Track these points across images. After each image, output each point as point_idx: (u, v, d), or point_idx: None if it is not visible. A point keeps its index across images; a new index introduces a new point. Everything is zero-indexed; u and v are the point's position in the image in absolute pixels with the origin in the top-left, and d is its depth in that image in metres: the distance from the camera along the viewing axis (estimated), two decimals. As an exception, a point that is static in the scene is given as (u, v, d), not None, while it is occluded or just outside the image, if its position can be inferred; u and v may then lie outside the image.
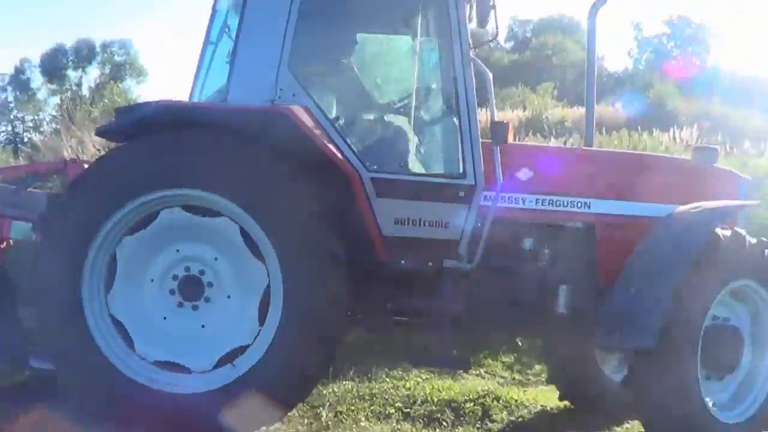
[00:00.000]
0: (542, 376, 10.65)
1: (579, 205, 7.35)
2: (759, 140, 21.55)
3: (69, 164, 8.72)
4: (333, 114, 7.17)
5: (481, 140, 7.01)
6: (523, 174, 7.27)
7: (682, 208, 7.23)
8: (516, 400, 8.98)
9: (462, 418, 8.30)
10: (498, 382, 10.04)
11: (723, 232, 6.90)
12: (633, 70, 61.02)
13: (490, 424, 8.28)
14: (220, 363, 6.58)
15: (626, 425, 8.51)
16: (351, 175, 6.75)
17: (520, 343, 11.05)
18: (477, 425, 8.19)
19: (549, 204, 7.33)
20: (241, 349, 6.58)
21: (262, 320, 6.56)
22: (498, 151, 6.93)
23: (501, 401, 8.84)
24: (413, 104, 7.41)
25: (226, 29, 7.57)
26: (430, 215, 6.97)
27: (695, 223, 6.96)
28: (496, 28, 7.35)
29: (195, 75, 7.64)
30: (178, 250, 6.64)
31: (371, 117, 7.64)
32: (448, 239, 7.00)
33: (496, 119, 7.12)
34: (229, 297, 6.64)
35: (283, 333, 6.42)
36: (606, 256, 7.19)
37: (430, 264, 6.97)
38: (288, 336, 6.41)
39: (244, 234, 6.56)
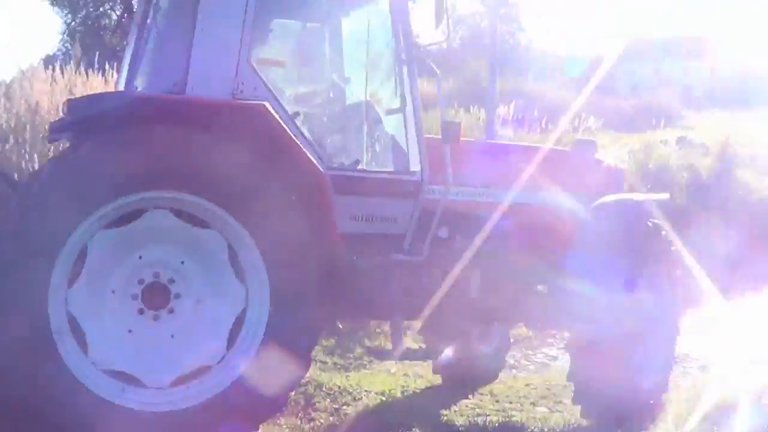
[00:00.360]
0: (363, 359, 10.40)
1: (498, 196, 7.61)
2: (573, 117, 21.94)
3: None
4: (291, 110, 6.92)
5: (432, 137, 7.29)
6: (461, 168, 7.39)
7: (609, 198, 7.77)
8: (339, 387, 8.70)
9: (284, 409, 7.88)
10: (319, 368, 9.68)
11: (660, 223, 7.55)
12: (447, 48, 61.71)
13: (313, 414, 7.92)
14: (178, 381, 6.17)
15: (454, 407, 8.37)
16: (319, 174, 6.48)
17: (340, 326, 10.76)
18: (300, 415, 7.81)
19: (478, 196, 7.63)
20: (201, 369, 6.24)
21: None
22: (448, 149, 7.15)
23: (324, 389, 8.53)
24: (364, 101, 7.45)
25: (162, 15, 7.25)
26: (381, 211, 7.12)
27: (634, 214, 7.58)
28: (448, 28, 7.36)
29: (130, 62, 7.21)
30: (145, 254, 6.20)
31: (325, 113, 7.62)
32: (396, 234, 7.17)
33: (445, 118, 7.44)
34: (197, 313, 6.28)
35: (265, 355, 6.22)
36: (520, 242, 7.53)
37: (380, 259, 7.08)
38: (270, 357, 6.21)
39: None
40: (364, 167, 7.18)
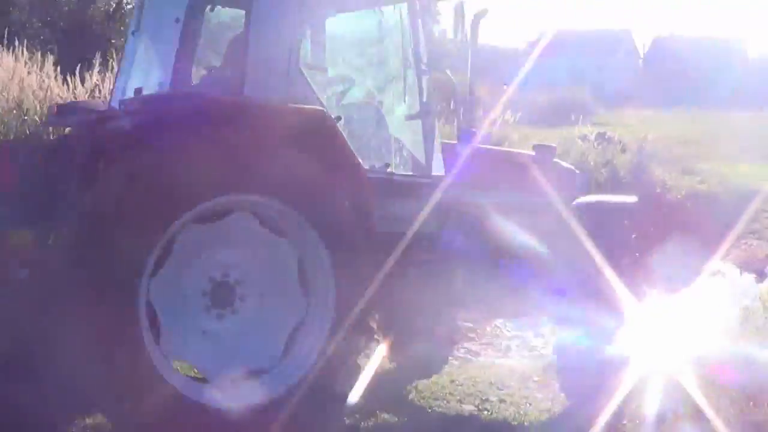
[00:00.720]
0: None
1: (494, 197, 8.01)
2: (487, 110, 21.95)
3: None
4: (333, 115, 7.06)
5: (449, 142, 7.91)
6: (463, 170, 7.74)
7: (586, 198, 8.49)
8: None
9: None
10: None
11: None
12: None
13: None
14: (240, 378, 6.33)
15: (376, 403, 8.08)
16: (367, 179, 6.79)
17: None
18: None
19: (478, 197, 7.90)
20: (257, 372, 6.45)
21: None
22: (465, 155, 7.71)
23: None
24: (390, 105, 7.90)
25: (206, 16, 7.47)
26: (402, 211, 7.30)
27: (613, 215, 8.23)
28: (462, 34, 7.84)
29: (176, 62, 7.22)
30: (225, 255, 6.39)
31: (354, 116, 7.74)
32: (413, 232, 7.26)
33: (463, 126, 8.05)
34: (257, 314, 6.48)
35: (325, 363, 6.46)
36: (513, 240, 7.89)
37: (399, 257, 7.10)
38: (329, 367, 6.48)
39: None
40: (393, 170, 7.50)
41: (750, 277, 16.37)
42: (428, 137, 7.59)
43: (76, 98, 13.03)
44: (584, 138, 22.12)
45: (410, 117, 7.70)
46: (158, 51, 7.60)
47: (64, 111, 7.47)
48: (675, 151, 23.19)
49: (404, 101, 7.80)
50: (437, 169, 7.61)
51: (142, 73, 7.58)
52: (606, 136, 22.58)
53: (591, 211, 8.19)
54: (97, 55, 14.26)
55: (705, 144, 25.49)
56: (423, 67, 7.58)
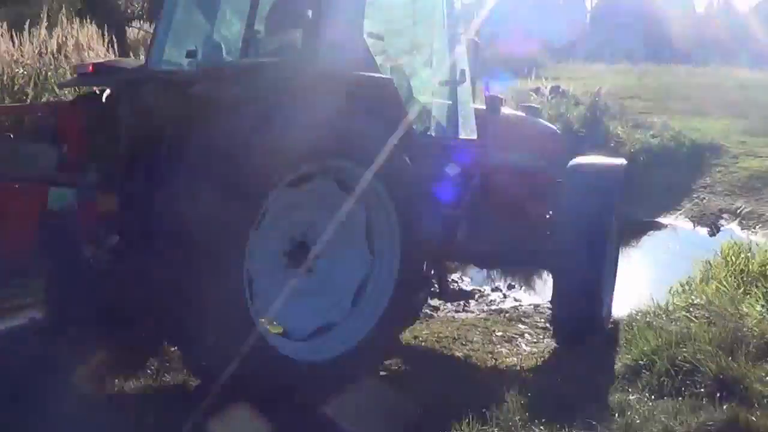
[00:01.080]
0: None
1: (503, 158, 8.52)
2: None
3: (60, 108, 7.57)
4: None
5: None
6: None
7: (581, 160, 8.77)
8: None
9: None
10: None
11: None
12: None
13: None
14: (315, 333, 6.74)
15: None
16: (418, 142, 7.07)
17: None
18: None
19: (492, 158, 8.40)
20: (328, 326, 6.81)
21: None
22: (491, 119, 8.33)
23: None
24: (421, 69, 8.25)
25: None
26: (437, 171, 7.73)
27: (608, 176, 8.56)
28: None
29: (245, 33, 7.52)
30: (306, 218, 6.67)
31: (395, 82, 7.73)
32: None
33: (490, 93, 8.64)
34: (328, 271, 6.82)
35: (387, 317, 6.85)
36: (518, 197, 8.58)
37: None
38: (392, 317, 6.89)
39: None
40: (432, 134, 7.84)
41: (704, 231, 16.58)
42: (462, 102, 7.91)
43: (23, 55, 12.86)
44: (537, 91, 22.08)
45: (445, 83, 7.94)
46: (210, 14, 7.78)
47: (100, 70, 7.31)
48: (626, 105, 23.23)
49: (440, 67, 8.01)
50: (470, 132, 8.02)
51: (189, 35, 7.70)
52: (560, 90, 22.57)
53: (587, 173, 8.54)
54: (45, 10, 14.11)
55: (654, 98, 25.55)
56: (456, 33, 7.89)
